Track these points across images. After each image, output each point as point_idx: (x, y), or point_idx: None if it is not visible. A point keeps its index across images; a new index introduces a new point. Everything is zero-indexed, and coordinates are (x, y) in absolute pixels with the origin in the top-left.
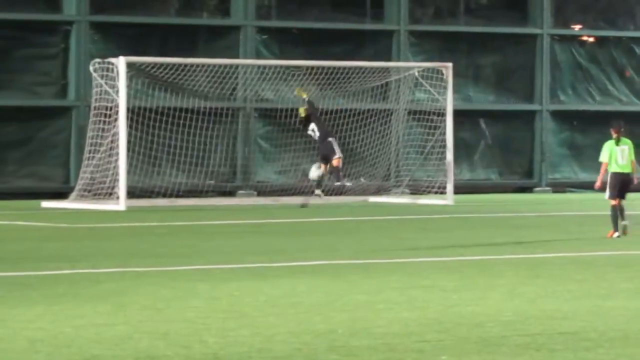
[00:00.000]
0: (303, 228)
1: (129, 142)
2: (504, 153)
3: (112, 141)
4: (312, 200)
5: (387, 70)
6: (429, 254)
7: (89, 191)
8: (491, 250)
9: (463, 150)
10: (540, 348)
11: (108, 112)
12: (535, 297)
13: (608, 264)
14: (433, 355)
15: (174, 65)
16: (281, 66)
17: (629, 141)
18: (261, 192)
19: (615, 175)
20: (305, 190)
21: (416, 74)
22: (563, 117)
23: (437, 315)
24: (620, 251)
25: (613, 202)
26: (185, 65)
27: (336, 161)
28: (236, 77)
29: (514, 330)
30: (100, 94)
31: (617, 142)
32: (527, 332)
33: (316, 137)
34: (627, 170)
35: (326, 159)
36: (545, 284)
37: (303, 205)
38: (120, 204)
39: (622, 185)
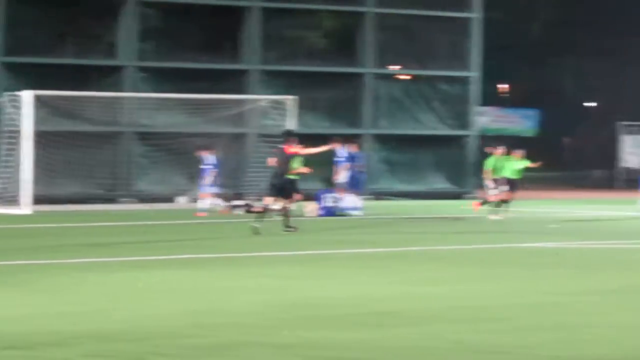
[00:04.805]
0: (174, 229)
1: (34, 159)
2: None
3: (20, 158)
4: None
5: (242, 101)
6: (275, 249)
7: (2, 198)
8: (329, 246)
9: None
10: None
11: (16, 135)
12: (363, 283)
13: (421, 257)
14: (277, 330)
15: (69, 97)
16: (156, 98)
17: None
18: (140, 199)
19: None
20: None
21: (265, 104)
22: (382, 139)
23: (280, 298)
24: (431, 246)
25: None
26: (79, 97)
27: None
28: (120, 107)
29: (344, 309)
30: (11, 120)
31: None
32: (356, 311)
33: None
34: None
35: None
36: (372, 272)
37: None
38: (27, 209)
39: None
